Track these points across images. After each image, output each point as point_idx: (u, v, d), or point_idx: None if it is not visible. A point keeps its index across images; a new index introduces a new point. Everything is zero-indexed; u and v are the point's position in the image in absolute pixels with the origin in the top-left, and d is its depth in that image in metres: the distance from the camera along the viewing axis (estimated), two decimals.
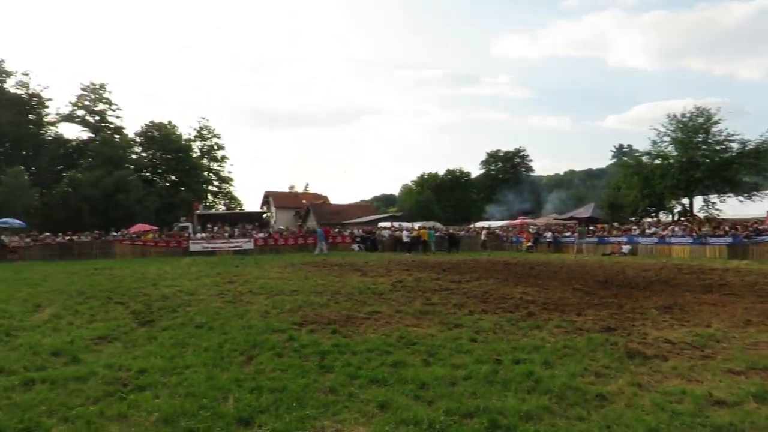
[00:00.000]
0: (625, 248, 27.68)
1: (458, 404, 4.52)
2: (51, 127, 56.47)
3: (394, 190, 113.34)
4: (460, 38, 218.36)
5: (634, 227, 30.75)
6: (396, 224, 42.65)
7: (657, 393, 4.88)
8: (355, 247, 33.27)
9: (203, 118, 70.71)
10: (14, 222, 31.97)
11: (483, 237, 34.80)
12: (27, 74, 53.21)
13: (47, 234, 32.55)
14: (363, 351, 6.40)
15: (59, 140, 56.19)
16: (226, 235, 33.88)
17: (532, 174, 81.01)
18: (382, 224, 44.13)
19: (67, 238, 31.58)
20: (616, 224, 33.08)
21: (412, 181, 79.72)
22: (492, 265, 20.01)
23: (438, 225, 44.55)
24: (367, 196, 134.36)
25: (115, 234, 33.18)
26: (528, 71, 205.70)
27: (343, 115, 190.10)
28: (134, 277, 16.09)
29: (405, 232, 33.27)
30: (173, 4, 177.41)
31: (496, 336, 7.30)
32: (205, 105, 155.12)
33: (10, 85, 52.21)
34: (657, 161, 33.53)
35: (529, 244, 32.64)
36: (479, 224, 48.31)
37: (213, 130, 66.83)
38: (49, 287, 13.67)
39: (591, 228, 33.00)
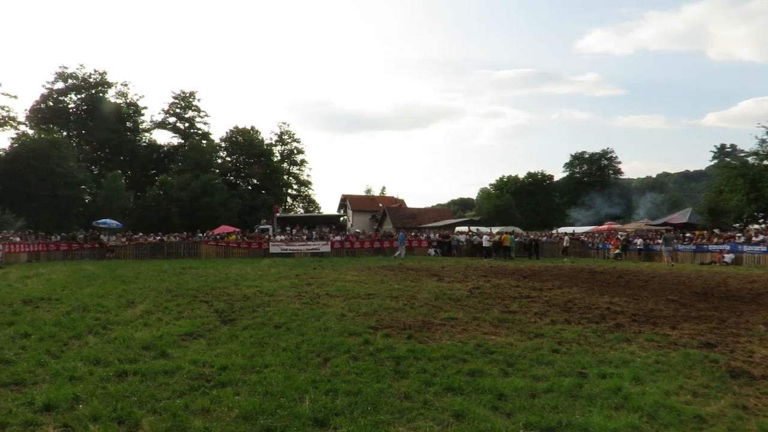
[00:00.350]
0: (728, 257, 25.67)
1: (539, 418, 4.37)
2: (145, 134, 61.00)
3: (472, 193, 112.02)
4: (540, 35, 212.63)
5: (738, 234, 28.42)
6: (474, 229, 42.07)
7: (766, 418, 4.46)
8: (432, 251, 33.17)
9: (284, 123, 73.47)
10: (112, 223, 34.64)
11: (565, 243, 33.55)
12: (126, 84, 57.86)
13: (140, 234, 35.02)
14: (439, 358, 6.36)
15: (152, 146, 60.61)
16: (304, 237, 34.94)
17: (620, 177, 77.05)
18: (459, 229, 43.71)
19: (158, 238, 33.80)
20: (716, 231, 30.75)
21: (490, 185, 78.48)
22: (576, 273, 19.24)
23: (517, 230, 43.46)
24: (444, 199, 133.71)
25: (200, 235, 35.09)
26: (616, 67, 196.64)
27: (419, 119, 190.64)
28: (218, 277, 16.94)
29: (485, 237, 32.75)
30: (252, 16, 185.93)
31: (580, 348, 7.01)
32: (285, 110, 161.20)
33: (111, 95, 56.88)
34: (766, 162, 30.84)
35: (617, 251, 31.05)
36: (562, 230, 46.61)
37: (293, 134, 69.25)
38: (141, 284, 14.68)
39: (687, 234, 30.88)
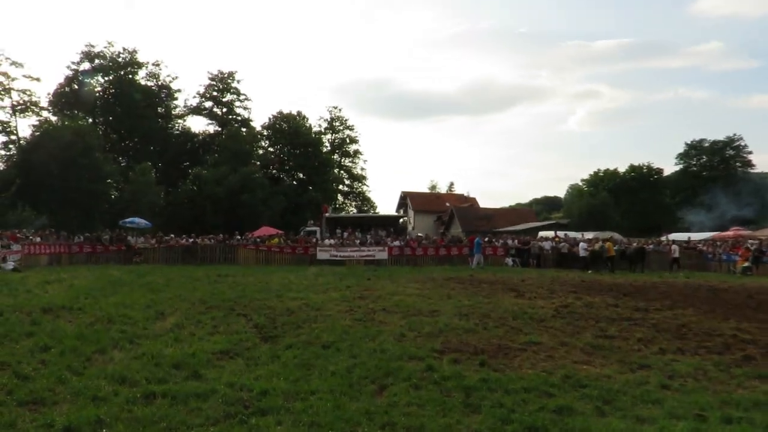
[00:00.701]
0: None
1: None
2: (178, 121, 63.53)
3: (559, 191, 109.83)
4: None
5: None
6: (561, 234, 41.18)
7: None
8: (509, 261, 32.73)
9: (335, 108, 73.30)
10: (140, 222, 36.24)
11: (673, 253, 32.20)
12: (158, 64, 60.49)
13: (171, 236, 36.44)
14: (518, 390, 6.28)
15: (186, 134, 63.04)
16: (357, 242, 35.30)
17: (750, 170, 73.21)
18: (542, 234, 42.93)
19: (191, 240, 35.08)
20: None
21: (582, 181, 76.76)
22: (692, 291, 18.47)
23: (616, 236, 42.19)
24: (525, 198, 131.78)
25: (238, 238, 36.13)
26: (745, 34, 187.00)
27: (494, 101, 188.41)
28: (258, 287, 17.39)
29: (583, 245, 31.93)
30: None
31: (697, 384, 6.76)
32: (335, 92, 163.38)
33: (141, 77, 59.58)
34: None
35: (746, 264, 29.53)
36: (673, 236, 44.85)
37: (345, 120, 70.26)
38: (171, 293, 15.26)
39: None
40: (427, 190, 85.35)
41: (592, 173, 75.45)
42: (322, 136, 67.03)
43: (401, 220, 54.65)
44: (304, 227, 41.79)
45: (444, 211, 65.88)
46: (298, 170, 63.03)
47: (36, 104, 51.57)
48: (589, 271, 28.52)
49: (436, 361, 7.58)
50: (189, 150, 62.07)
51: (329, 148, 67.91)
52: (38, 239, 31.12)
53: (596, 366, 7.59)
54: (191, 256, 32.94)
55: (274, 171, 61.67)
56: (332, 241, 35.38)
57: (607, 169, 73.79)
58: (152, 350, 8.04)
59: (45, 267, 27.62)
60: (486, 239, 37.58)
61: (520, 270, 29.10)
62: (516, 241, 36.50)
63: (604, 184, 71.24)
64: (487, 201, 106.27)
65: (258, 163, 57.89)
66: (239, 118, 63.66)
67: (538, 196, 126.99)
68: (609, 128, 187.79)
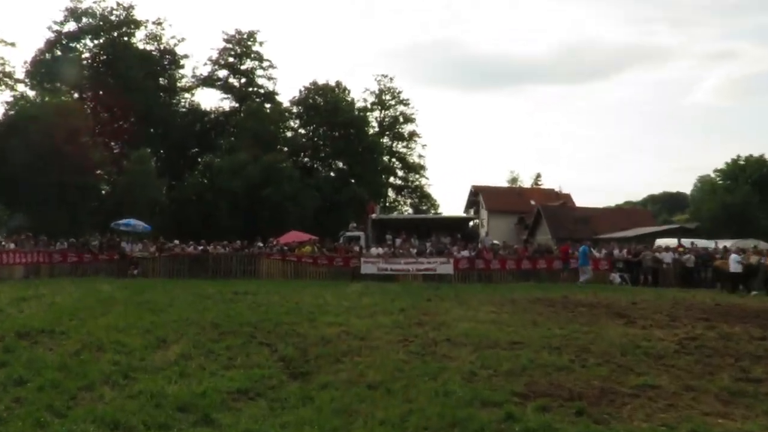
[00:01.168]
0: None
1: None
2: (186, 95, 64.44)
3: (684, 186, 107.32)
4: None
5: None
6: (687, 243, 40.19)
7: None
8: (616, 277, 32.17)
9: (384, 77, 73.77)
10: (137, 224, 36.91)
11: None
12: (160, 23, 61.47)
13: (176, 242, 36.96)
14: None
15: (194, 112, 63.85)
16: (414, 251, 35.18)
17: None
18: (661, 242, 41.98)
19: (200, 248, 35.59)
20: None
21: (716, 172, 74.72)
22: None
23: (762, 244, 40.92)
24: (637, 195, 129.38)
25: (260, 245, 36.38)
26: None
27: (596, 65, 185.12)
28: (285, 308, 17.53)
29: (735, 256, 30.77)
30: None
31: None
32: (385, 57, 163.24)
33: (139, 39, 60.73)
34: None
35: None
36: None
37: (398, 93, 70.14)
38: (176, 315, 15.52)
39: None
40: (506, 185, 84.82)
41: (729, 161, 73.41)
42: (368, 113, 67.15)
43: (471, 223, 54.31)
44: (344, 231, 41.91)
45: (527, 212, 65.32)
46: (336, 158, 63.11)
47: (10, 76, 53.13)
48: (742, 291, 27.67)
49: (518, 408, 7.49)
50: (198, 132, 62.84)
51: (377, 129, 68.02)
52: (12, 245, 31.95)
53: (736, 419, 7.39)
54: (201, 267, 33.34)
55: (306, 159, 62.00)
56: (380, 251, 35.35)
57: (750, 156, 71.64)
58: (152, 388, 8.16)
59: (20, 280, 28.32)
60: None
61: (629, 289, 28.54)
62: (625, 251, 35.81)
63: (745, 175, 69.21)
64: (584, 198, 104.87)
65: (285, 148, 58.28)
66: (262, 91, 64.39)
67: (656, 192, 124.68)
68: (752, 100, 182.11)
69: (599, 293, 25.06)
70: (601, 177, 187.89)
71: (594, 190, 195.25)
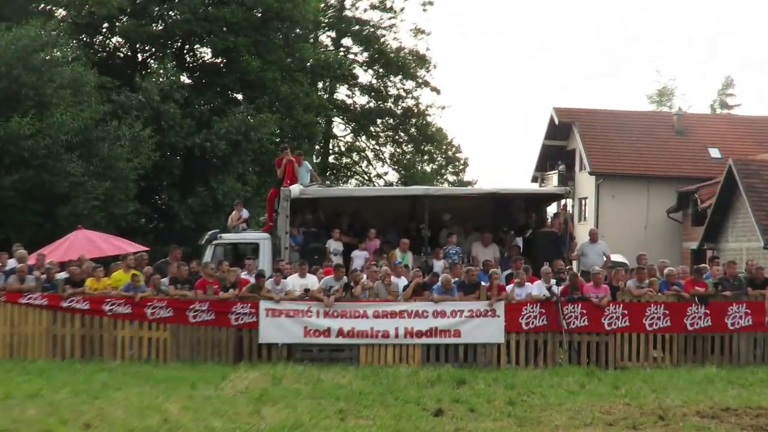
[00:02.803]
0: None
1: None
2: None
3: None
4: None
5: None
6: None
7: None
8: None
9: None
10: None
11: None
12: None
13: None
14: None
15: None
16: (401, 282, 15.35)
17: None
18: None
19: None
20: None
21: None
22: None
23: None
24: None
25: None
26: None
27: None
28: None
29: None
30: None
31: None
32: None
33: None
34: None
35: None
36: None
37: None
38: None
39: None
40: (650, 108, 49.20)
41: None
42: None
43: (555, 206, 24.04)
44: (215, 231, 18.68)
45: (704, 178, 34.70)
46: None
47: None
48: None
49: None
50: None
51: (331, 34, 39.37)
52: None
53: None
54: None
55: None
56: (311, 279, 15.38)
57: None
58: None
59: None
60: None
61: None
62: None
63: None
64: None
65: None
66: None
67: None
68: None
69: None
70: None
71: None
